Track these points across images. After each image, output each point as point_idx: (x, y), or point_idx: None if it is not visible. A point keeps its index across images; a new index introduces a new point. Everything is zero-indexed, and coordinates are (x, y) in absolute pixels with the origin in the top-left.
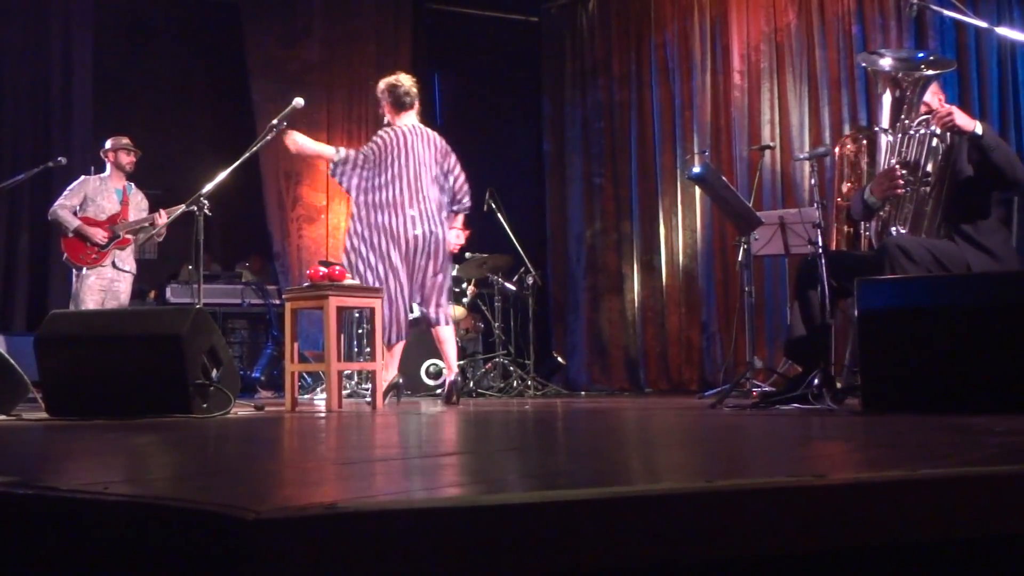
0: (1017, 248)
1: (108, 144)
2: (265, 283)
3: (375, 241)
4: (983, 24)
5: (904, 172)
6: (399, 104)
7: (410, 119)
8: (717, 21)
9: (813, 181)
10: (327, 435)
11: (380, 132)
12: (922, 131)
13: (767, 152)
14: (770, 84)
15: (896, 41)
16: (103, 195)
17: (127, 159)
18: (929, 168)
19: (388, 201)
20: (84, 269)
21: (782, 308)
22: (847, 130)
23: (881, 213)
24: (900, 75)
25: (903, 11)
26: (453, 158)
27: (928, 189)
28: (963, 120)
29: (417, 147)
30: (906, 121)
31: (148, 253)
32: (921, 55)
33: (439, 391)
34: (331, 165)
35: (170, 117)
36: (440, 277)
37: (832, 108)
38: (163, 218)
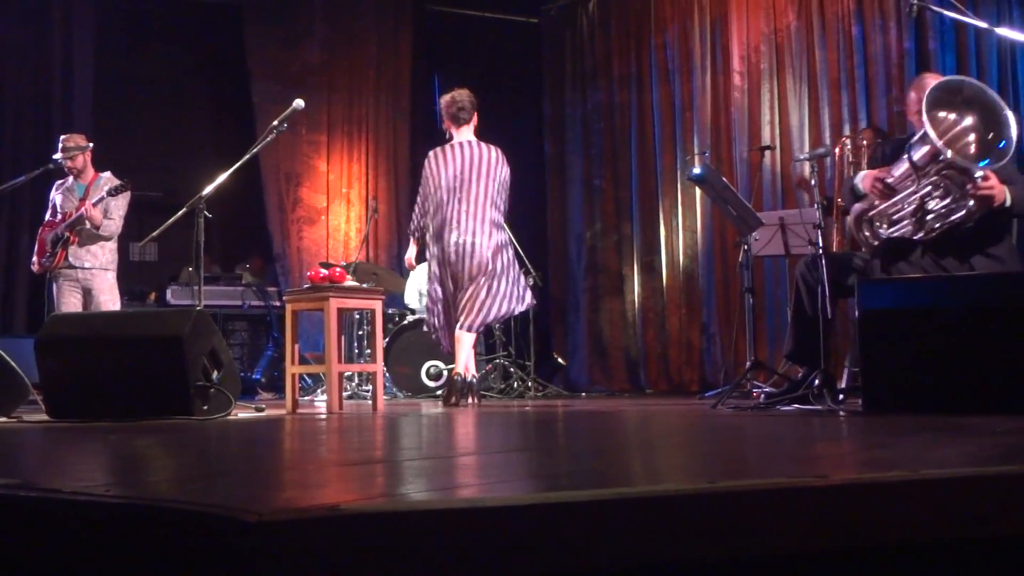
0: (1017, 244)
1: None
2: (265, 285)
3: (433, 269)
4: (983, 24)
5: (918, 212)
6: (455, 120)
7: (465, 135)
8: (717, 22)
9: (813, 182)
10: (328, 437)
11: (425, 163)
12: (955, 195)
13: (767, 153)
14: (770, 85)
15: (896, 42)
16: (65, 196)
17: (66, 164)
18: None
19: (437, 228)
20: (49, 273)
21: (782, 309)
22: (847, 131)
23: (872, 213)
24: (949, 168)
25: (903, 12)
26: (505, 171)
27: (935, 234)
28: (999, 195)
29: (460, 163)
30: (928, 169)
31: (149, 254)
32: (1004, 143)
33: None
34: (414, 237)
35: (170, 118)
36: (473, 286)
37: (832, 109)
38: (90, 211)
